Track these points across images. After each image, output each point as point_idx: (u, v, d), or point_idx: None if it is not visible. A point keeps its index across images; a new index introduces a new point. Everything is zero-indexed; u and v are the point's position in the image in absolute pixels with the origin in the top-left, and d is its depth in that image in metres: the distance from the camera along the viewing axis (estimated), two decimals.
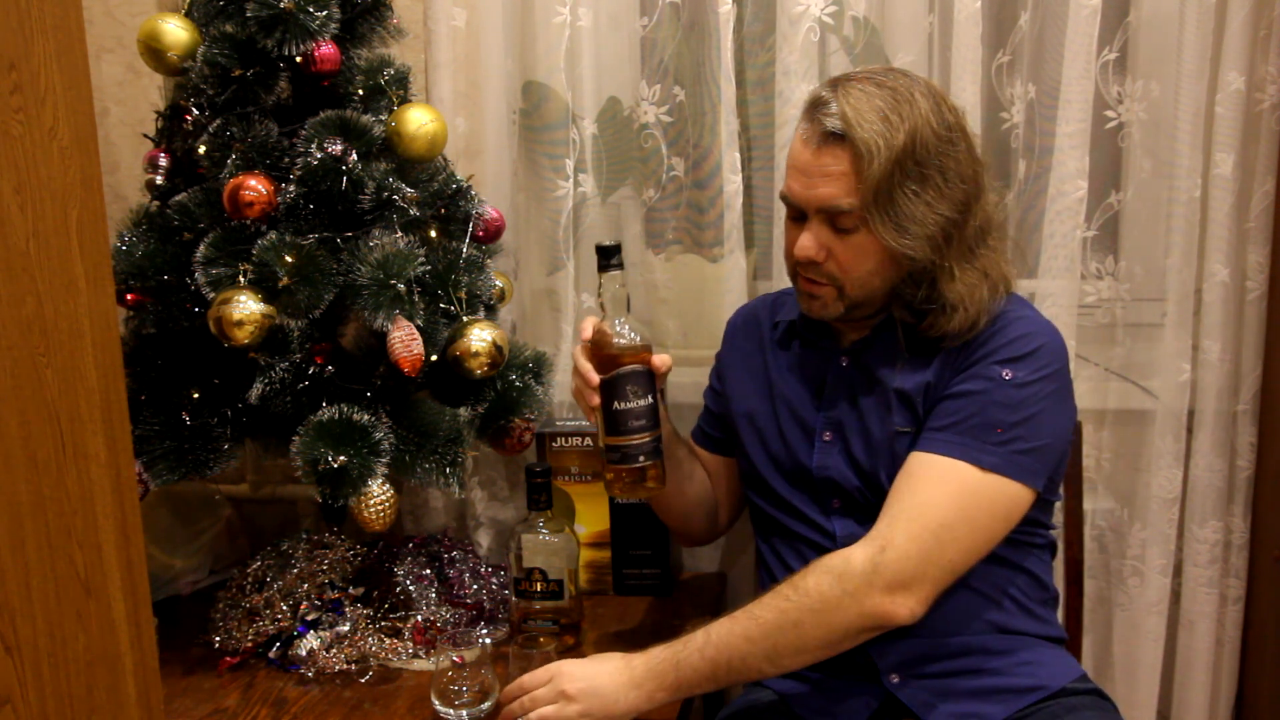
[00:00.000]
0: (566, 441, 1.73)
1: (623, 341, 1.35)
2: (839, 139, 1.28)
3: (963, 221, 1.32)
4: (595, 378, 1.34)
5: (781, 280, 1.73)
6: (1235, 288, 1.65)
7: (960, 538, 1.27)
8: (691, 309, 1.84)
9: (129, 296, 1.51)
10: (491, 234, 1.62)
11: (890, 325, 1.38)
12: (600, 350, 1.35)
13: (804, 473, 1.42)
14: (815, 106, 1.32)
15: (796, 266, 1.37)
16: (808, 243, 1.33)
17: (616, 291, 1.35)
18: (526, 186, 1.84)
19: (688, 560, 1.87)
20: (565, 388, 1.84)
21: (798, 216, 1.35)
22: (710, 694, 1.82)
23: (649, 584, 1.74)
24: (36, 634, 0.87)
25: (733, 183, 1.72)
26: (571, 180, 1.78)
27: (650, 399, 1.35)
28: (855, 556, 1.27)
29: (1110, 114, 1.67)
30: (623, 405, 1.34)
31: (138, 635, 0.97)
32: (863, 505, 1.38)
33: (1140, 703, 1.73)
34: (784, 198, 1.36)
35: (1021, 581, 1.38)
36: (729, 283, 1.77)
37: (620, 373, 1.34)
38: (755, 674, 1.31)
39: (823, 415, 1.42)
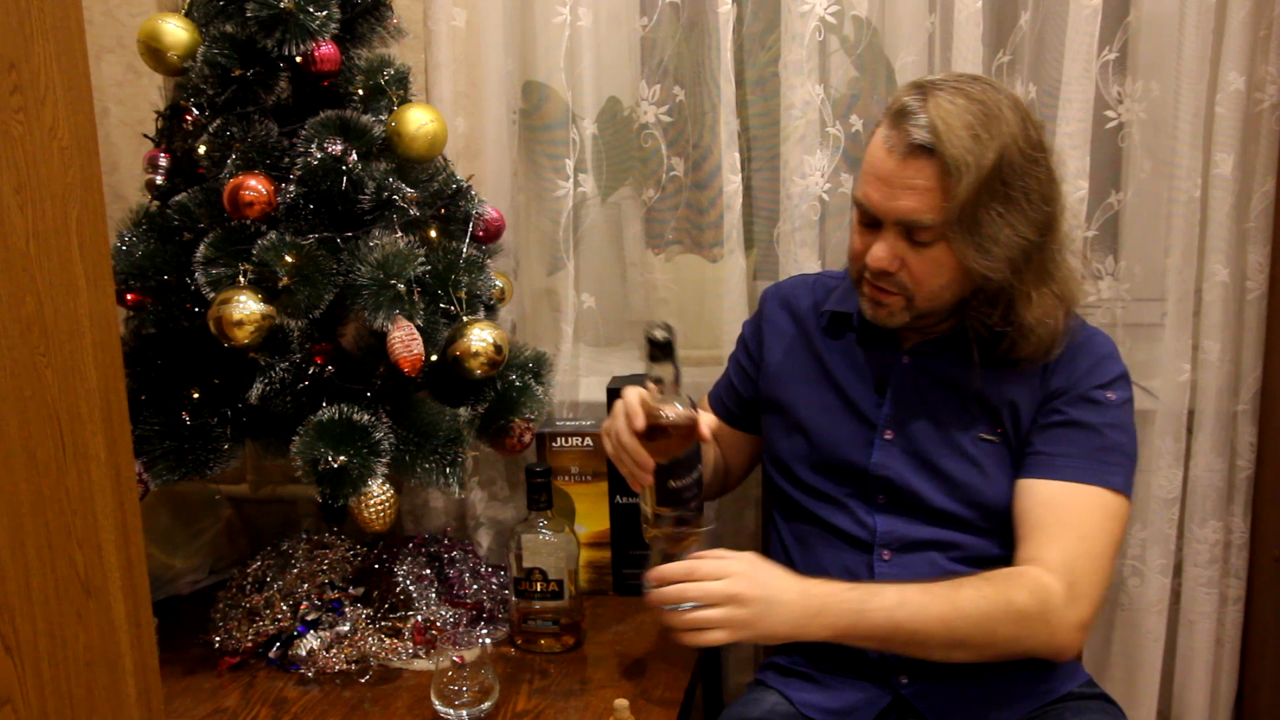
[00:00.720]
0: (566, 441, 1.73)
1: (675, 419, 1.28)
2: (926, 152, 1.24)
3: (1043, 244, 1.30)
4: (651, 463, 1.29)
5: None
6: (1235, 288, 1.65)
7: (1113, 563, 1.34)
8: (691, 309, 1.84)
9: (129, 296, 1.51)
10: (491, 234, 1.62)
11: (960, 336, 1.37)
12: (649, 425, 1.29)
13: (853, 467, 1.41)
14: (902, 114, 1.27)
15: (864, 273, 1.34)
16: (882, 253, 1.30)
17: (668, 374, 1.28)
18: (526, 186, 1.84)
19: None
20: (565, 387, 1.85)
21: (871, 223, 1.32)
22: (710, 695, 1.82)
23: None
24: (36, 634, 0.87)
25: (733, 183, 1.72)
26: (571, 180, 1.78)
27: (699, 468, 1.33)
28: (1053, 586, 1.26)
29: (1110, 114, 1.67)
30: (678, 483, 1.31)
31: (138, 635, 0.97)
32: (911, 505, 1.38)
33: (1140, 703, 1.74)
34: (858, 203, 1.33)
35: None
36: (729, 283, 1.77)
37: (678, 458, 1.29)
38: (923, 654, 1.29)
39: (886, 413, 1.40)
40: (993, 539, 1.37)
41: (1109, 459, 1.33)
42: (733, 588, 1.23)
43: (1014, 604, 1.25)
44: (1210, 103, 1.60)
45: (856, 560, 1.39)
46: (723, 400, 1.60)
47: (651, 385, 1.29)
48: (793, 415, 1.47)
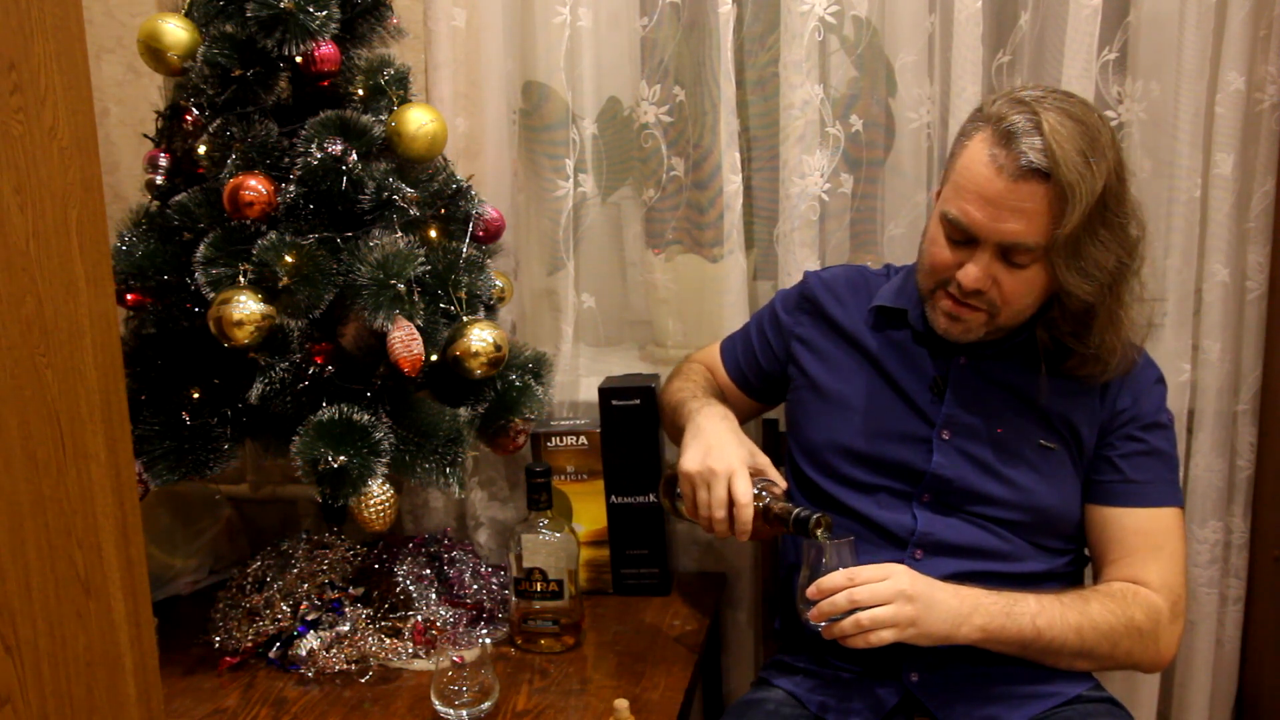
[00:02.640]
0: (562, 441, 1.73)
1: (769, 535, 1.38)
2: (1040, 176, 1.22)
3: (1133, 266, 1.31)
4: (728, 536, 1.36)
5: (787, 280, 1.73)
6: (1235, 288, 1.65)
7: None
8: (691, 309, 1.84)
9: (129, 296, 1.51)
10: (491, 234, 1.62)
11: (1021, 344, 1.38)
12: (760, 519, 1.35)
13: (905, 463, 1.40)
14: (1012, 135, 1.23)
15: (950, 286, 1.32)
16: (976, 274, 1.28)
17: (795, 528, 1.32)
18: (526, 186, 1.84)
19: (687, 560, 1.87)
20: (565, 387, 1.85)
21: (962, 241, 1.30)
22: (710, 695, 1.82)
23: (647, 583, 1.74)
24: (36, 634, 0.87)
25: (733, 183, 1.72)
26: (571, 180, 1.78)
27: None
28: (1161, 605, 1.34)
29: (1110, 114, 1.66)
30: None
31: (138, 635, 0.97)
32: (960, 506, 1.38)
33: (1140, 703, 1.74)
34: (954, 221, 1.29)
35: None
36: (729, 282, 1.77)
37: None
38: (1051, 660, 1.33)
39: (945, 412, 1.40)
40: (1034, 547, 1.38)
41: (1175, 478, 1.41)
42: (898, 584, 1.24)
43: (1134, 621, 1.31)
44: (1210, 103, 1.60)
45: (888, 556, 1.37)
46: (740, 366, 1.60)
47: (773, 497, 1.34)
48: (839, 404, 1.46)
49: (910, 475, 1.40)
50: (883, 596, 1.23)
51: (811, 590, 1.25)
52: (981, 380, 1.40)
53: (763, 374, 1.57)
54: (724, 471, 1.33)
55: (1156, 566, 1.35)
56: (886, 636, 1.23)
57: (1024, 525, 1.38)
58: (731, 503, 1.33)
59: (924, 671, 1.36)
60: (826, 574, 1.26)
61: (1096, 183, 1.22)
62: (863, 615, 1.22)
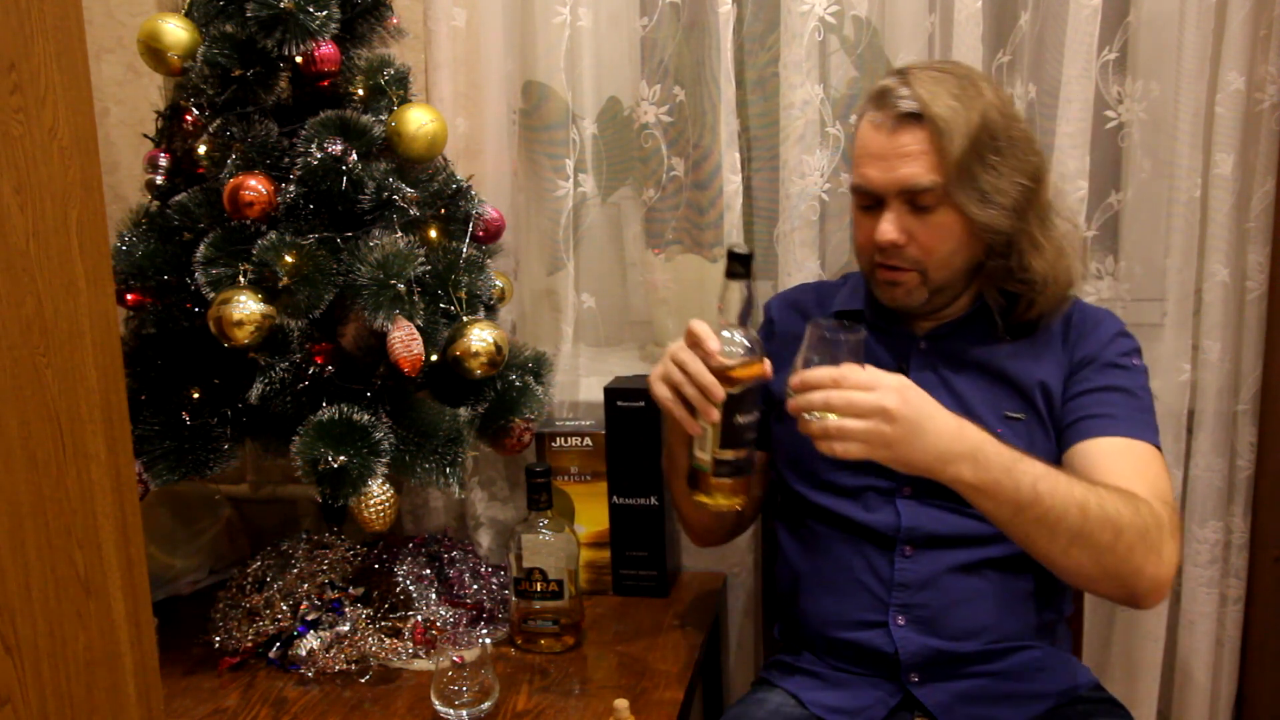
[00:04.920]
0: (566, 441, 1.73)
1: (745, 352, 1.23)
2: (915, 119, 1.30)
3: (1038, 190, 1.34)
4: (721, 392, 1.21)
5: (787, 280, 1.73)
6: (1235, 288, 1.65)
7: None
8: (691, 309, 1.84)
9: (129, 296, 1.51)
10: (491, 234, 1.62)
11: (976, 315, 1.39)
12: (719, 359, 1.22)
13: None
14: (884, 95, 1.33)
15: (876, 254, 1.36)
16: (889, 227, 1.32)
17: (743, 298, 1.22)
18: (526, 186, 1.84)
19: (687, 560, 1.87)
20: (565, 387, 1.85)
21: (872, 205, 1.35)
22: (710, 695, 1.82)
23: (646, 585, 1.74)
24: (36, 634, 0.87)
25: (733, 183, 1.72)
26: (571, 180, 1.78)
27: (760, 410, 1.26)
28: (1162, 513, 1.24)
29: (1110, 114, 1.67)
30: (745, 419, 1.24)
31: (138, 635, 0.97)
32: (940, 492, 1.31)
33: (1140, 703, 1.73)
34: (858, 189, 1.36)
35: (1043, 594, 1.38)
36: None
37: (750, 386, 1.23)
38: (1044, 539, 1.20)
39: None
40: None
41: (1149, 420, 1.35)
42: (882, 401, 1.15)
43: (1140, 514, 1.21)
44: (1210, 103, 1.60)
45: (879, 557, 1.37)
46: None
47: (720, 309, 1.23)
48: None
49: (888, 469, 1.39)
50: (859, 409, 1.15)
51: (794, 381, 1.19)
52: (942, 360, 1.40)
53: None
54: (680, 340, 1.27)
55: (1143, 484, 1.26)
56: (854, 451, 1.16)
57: None
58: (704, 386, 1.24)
59: (923, 674, 1.36)
60: (818, 366, 1.18)
61: (972, 115, 1.29)
62: (831, 423, 1.15)
